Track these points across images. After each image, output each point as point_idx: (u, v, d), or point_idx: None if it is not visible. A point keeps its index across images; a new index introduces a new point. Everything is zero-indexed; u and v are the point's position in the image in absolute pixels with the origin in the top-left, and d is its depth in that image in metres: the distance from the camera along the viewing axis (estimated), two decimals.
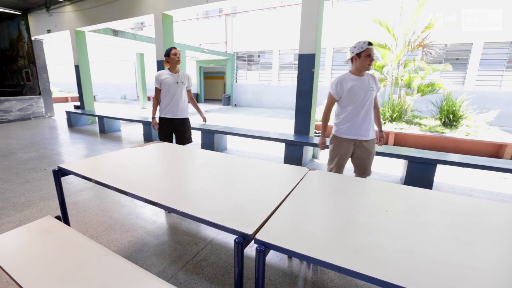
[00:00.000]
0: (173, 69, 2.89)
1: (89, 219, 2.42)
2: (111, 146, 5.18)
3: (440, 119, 6.14)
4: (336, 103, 2.32)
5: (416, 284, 0.80)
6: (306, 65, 4.00)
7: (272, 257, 1.92)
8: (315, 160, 4.52)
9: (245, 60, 14.17)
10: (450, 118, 5.91)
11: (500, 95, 9.17)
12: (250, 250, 1.97)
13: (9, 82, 9.52)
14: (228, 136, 5.09)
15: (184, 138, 3.07)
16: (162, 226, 2.32)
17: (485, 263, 0.90)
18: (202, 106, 13.06)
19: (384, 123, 6.10)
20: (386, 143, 5.38)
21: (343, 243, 1.01)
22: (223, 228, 1.11)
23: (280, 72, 13.25)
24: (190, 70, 14.81)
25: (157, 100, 2.99)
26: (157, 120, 3.09)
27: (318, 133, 4.89)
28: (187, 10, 5.14)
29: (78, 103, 8.54)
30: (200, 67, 15.24)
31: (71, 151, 4.77)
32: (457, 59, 9.62)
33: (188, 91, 3.09)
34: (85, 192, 3.00)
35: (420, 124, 6.02)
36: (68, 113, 7.10)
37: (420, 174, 3.22)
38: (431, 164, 3.15)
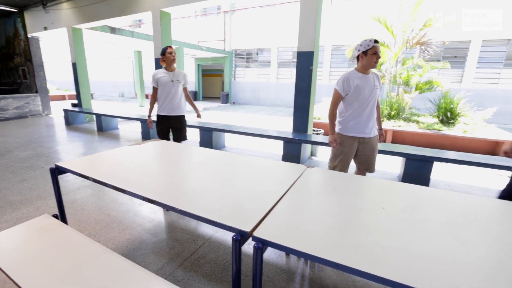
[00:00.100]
0: (169, 68, 2.94)
1: (87, 217, 2.42)
2: (109, 144, 5.16)
3: (438, 117, 6.17)
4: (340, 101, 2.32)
5: (414, 281, 0.81)
6: (305, 63, 4.00)
7: (269, 254, 1.93)
8: (313, 157, 4.53)
9: (243, 58, 14.12)
10: (447, 115, 5.94)
11: (497, 92, 9.20)
12: (248, 247, 1.98)
13: (5, 80, 9.44)
14: (226, 134, 5.08)
15: (180, 135, 3.14)
16: (160, 224, 2.32)
17: (481, 260, 0.91)
18: (200, 104, 13.05)
19: (382, 120, 6.11)
20: (384, 141, 5.39)
21: (340, 240, 1.01)
22: (221, 226, 1.11)
23: (278, 70, 13.22)
24: (188, 67, 14.74)
25: (154, 98, 3.07)
26: (152, 118, 3.17)
27: (317, 131, 4.89)
28: (185, 7, 5.11)
29: (75, 101, 8.47)
30: (198, 64, 15.17)
31: (69, 149, 4.74)
32: (455, 56, 9.63)
33: (184, 89, 3.14)
34: (82, 190, 2.99)
35: (418, 122, 6.04)
36: (65, 111, 7.06)
37: (417, 171, 3.24)
38: (428, 161, 3.16)
